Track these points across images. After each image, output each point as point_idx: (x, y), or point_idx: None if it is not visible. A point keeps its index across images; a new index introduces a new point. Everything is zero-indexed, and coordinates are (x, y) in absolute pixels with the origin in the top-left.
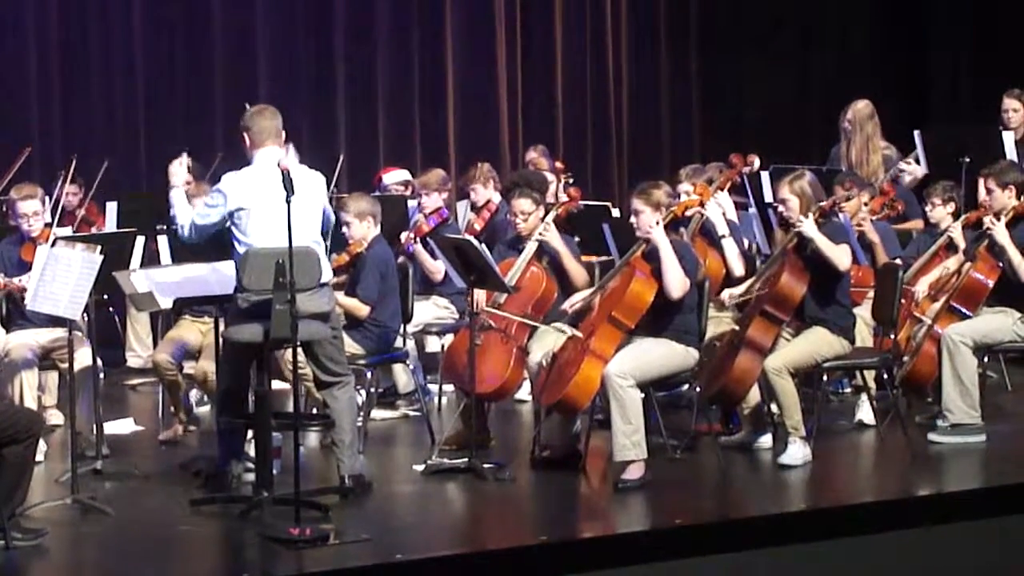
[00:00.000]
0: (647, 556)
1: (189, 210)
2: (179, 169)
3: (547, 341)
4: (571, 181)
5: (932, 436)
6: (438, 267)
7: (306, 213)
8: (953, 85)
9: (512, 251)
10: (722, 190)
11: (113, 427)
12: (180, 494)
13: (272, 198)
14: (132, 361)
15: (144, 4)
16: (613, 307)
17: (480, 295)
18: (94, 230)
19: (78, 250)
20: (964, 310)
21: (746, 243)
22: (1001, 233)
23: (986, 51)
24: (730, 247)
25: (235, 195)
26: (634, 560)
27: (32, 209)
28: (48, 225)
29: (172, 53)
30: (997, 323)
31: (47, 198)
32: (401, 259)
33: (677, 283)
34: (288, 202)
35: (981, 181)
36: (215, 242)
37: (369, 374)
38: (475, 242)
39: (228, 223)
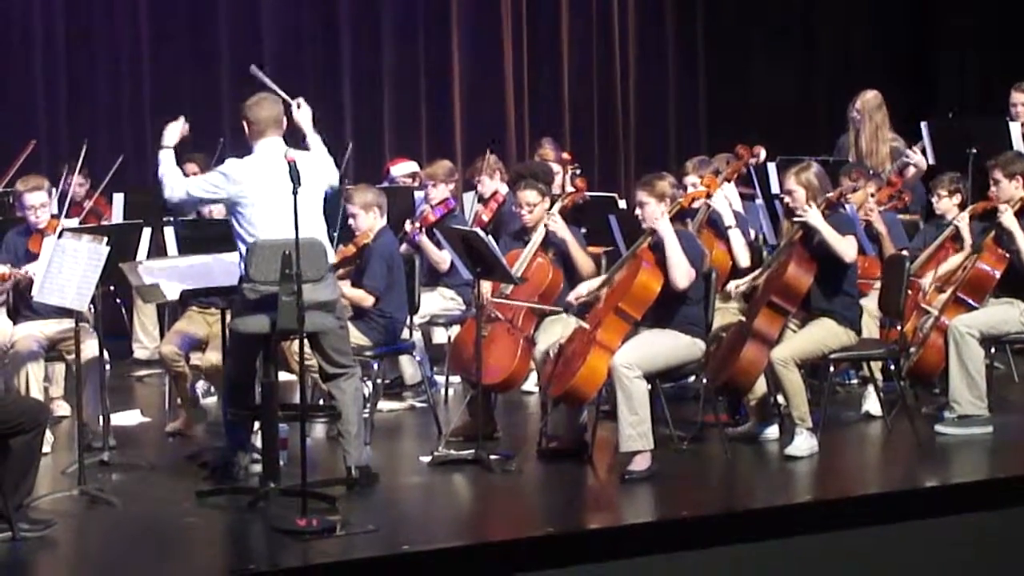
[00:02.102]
0: (654, 547)
1: (178, 173)
2: (174, 129)
3: (554, 332)
4: (578, 172)
5: (939, 427)
6: (444, 257)
7: (309, 202)
8: (960, 76)
9: (518, 242)
10: (729, 181)
11: (120, 418)
12: (187, 485)
13: (276, 189)
14: (139, 352)
15: None
16: (620, 298)
17: (486, 286)
18: (103, 222)
19: (85, 241)
20: (971, 301)
21: (753, 234)
22: (1009, 219)
23: (992, 42)
24: (736, 238)
25: (236, 182)
26: (641, 551)
27: (39, 201)
28: (55, 216)
29: (178, 45)
30: (1004, 314)
31: (54, 190)
32: (406, 248)
33: (682, 273)
34: (295, 194)
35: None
36: (221, 234)
37: (376, 365)
38: (481, 233)
39: (229, 213)
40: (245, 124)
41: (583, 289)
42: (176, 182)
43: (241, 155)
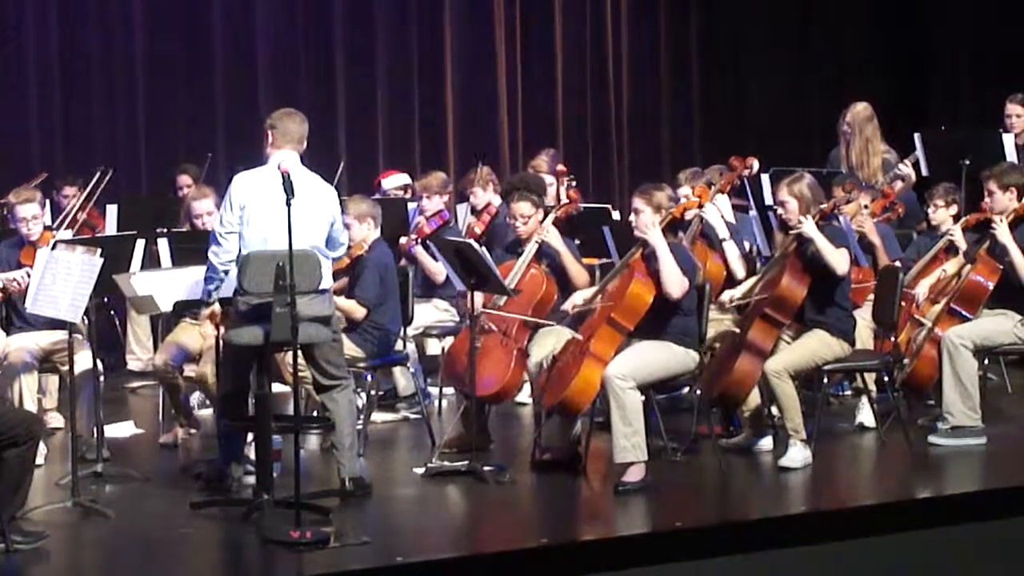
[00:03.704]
0: (647, 559)
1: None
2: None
3: (547, 343)
4: (572, 183)
5: (932, 438)
6: (439, 269)
7: (307, 218)
8: (953, 87)
9: (511, 254)
10: (722, 193)
11: (113, 430)
12: (180, 497)
13: (278, 200)
14: (132, 364)
15: (144, 6)
16: (612, 309)
17: (478, 297)
18: (97, 233)
19: (78, 253)
20: (964, 312)
21: (747, 246)
22: (1004, 233)
23: (986, 53)
24: (731, 250)
25: (242, 194)
26: (634, 563)
27: (31, 213)
28: (48, 228)
29: (172, 56)
30: (997, 325)
31: (46, 201)
32: (402, 262)
33: (675, 283)
34: (288, 205)
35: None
36: None
37: (369, 377)
38: (475, 245)
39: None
40: (269, 133)
41: (578, 298)
42: (214, 252)
43: (230, 167)
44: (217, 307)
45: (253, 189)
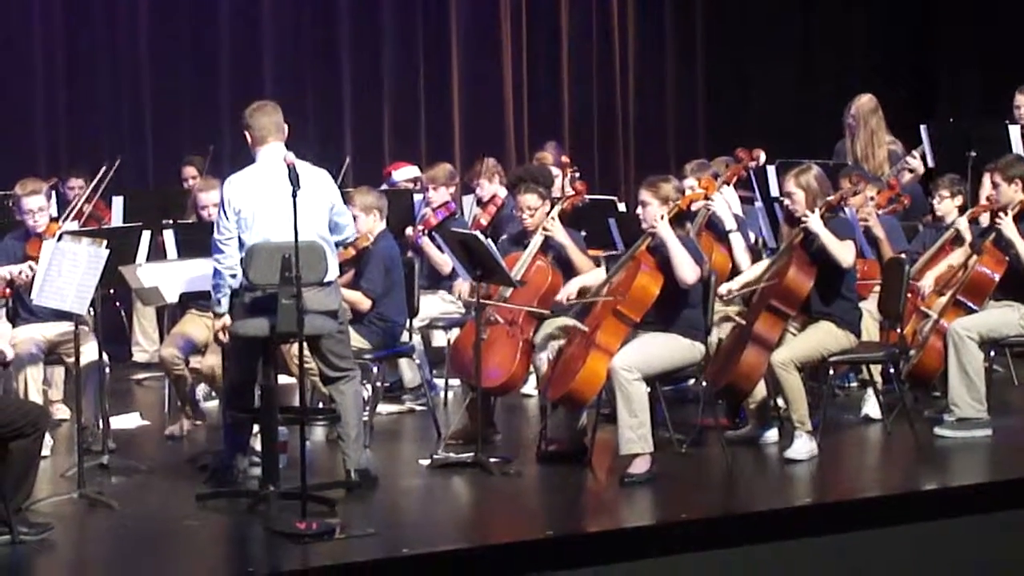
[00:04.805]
0: (653, 550)
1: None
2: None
3: (553, 335)
4: (577, 175)
5: (938, 430)
6: (445, 260)
7: (308, 207)
8: (960, 78)
9: (517, 246)
10: (728, 184)
11: (119, 422)
12: (186, 488)
13: (275, 194)
14: (138, 356)
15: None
16: (618, 301)
17: (466, 287)
18: (103, 225)
19: (84, 244)
20: (970, 304)
21: (752, 237)
22: (1009, 227)
23: (992, 45)
24: (737, 241)
25: (235, 197)
26: (640, 555)
27: (37, 205)
28: (54, 220)
29: (178, 49)
30: (1003, 317)
31: (52, 193)
32: (408, 253)
33: (689, 269)
34: (294, 196)
35: (987, 175)
36: None
37: (375, 368)
38: (481, 236)
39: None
40: (247, 133)
41: (573, 288)
42: (217, 260)
43: (232, 161)
44: (228, 319)
45: (247, 191)
